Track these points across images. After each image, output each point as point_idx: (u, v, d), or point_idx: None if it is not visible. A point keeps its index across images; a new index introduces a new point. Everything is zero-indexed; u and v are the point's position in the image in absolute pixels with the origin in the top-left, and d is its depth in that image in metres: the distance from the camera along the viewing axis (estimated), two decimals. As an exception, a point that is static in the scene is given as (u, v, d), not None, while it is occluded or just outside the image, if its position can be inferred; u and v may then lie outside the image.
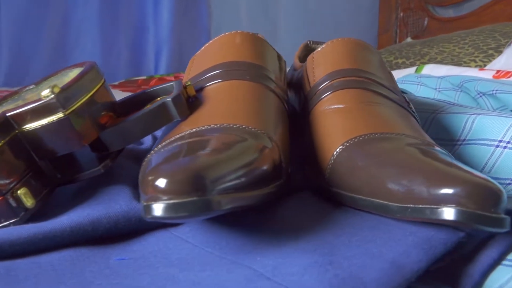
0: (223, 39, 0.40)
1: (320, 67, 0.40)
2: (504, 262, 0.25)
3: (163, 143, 0.31)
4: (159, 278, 0.23)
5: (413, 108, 0.40)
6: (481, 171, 0.40)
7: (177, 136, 0.31)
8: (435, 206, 0.24)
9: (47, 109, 0.29)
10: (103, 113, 0.33)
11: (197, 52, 0.41)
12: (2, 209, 0.28)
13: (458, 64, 1.24)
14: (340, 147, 0.32)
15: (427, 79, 0.85)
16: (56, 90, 0.29)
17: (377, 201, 0.27)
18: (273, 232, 0.26)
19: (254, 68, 0.37)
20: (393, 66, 1.41)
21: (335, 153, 0.32)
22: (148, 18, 1.24)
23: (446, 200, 0.23)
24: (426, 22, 1.59)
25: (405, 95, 0.57)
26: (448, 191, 0.24)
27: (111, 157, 0.33)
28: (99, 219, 0.28)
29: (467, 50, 1.30)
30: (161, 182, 0.22)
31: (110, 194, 0.31)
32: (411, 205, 0.25)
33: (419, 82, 0.87)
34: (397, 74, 1.13)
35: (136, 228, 0.29)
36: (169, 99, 0.33)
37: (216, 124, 0.31)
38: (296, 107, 0.44)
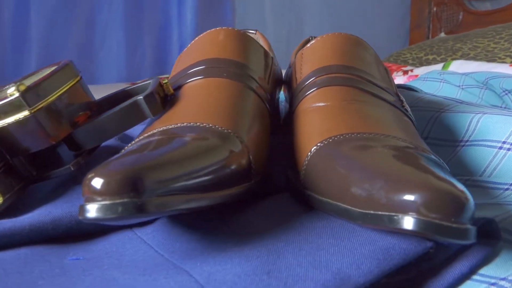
0: (207, 36, 0.39)
1: (308, 64, 0.38)
2: (474, 276, 0.23)
3: (133, 141, 0.30)
4: (100, 280, 0.23)
5: (407, 107, 0.37)
6: (481, 175, 0.37)
7: (148, 134, 0.30)
8: (394, 214, 0.22)
9: (13, 107, 0.29)
10: (77, 111, 0.33)
11: (184, 49, 0.41)
12: (-30, 205, 0.28)
13: (492, 60, 1.18)
14: (314, 147, 0.30)
15: (451, 76, 0.81)
16: (22, 88, 0.29)
17: (342, 205, 0.26)
18: (226, 236, 0.25)
19: (234, 66, 0.35)
20: (423, 63, 1.35)
21: (309, 153, 0.30)
22: (172, 18, 1.25)
23: (405, 208, 0.21)
24: (461, 17, 1.52)
25: (414, 93, 0.54)
26: (408, 197, 0.22)
27: (83, 155, 0.33)
28: (61, 218, 0.28)
29: (503, 45, 1.23)
30: (97, 183, 0.21)
31: (79, 193, 0.31)
32: (371, 212, 0.23)
33: (442, 79, 0.83)
34: (425, 71, 1.08)
35: (101, 227, 0.29)
36: (141, 97, 0.32)
37: (184, 123, 0.30)
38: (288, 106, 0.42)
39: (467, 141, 0.41)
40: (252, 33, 0.52)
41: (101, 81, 1.20)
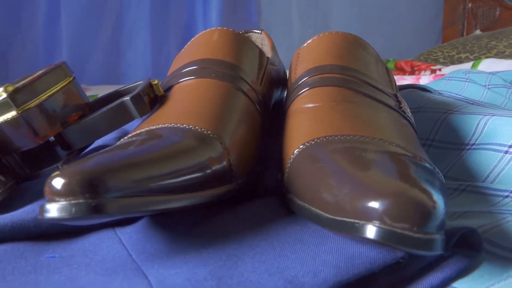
0: (202, 36, 0.39)
1: (303, 63, 0.38)
2: (445, 289, 0.21)
3: (119, 141, 0.31)
4: (65, 278, 0.23)
5: (405, 109, 0.36)
6: (484, 181, 0.35)
7: (132, 134, 0.31)
8: (357, 221, 0.21)
9: (1, 107, 0.30)
10: (69, 111, 0.33)
11: (182, 50, 0.41)
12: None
13: (529, 58, 1.11)
14: (297, 149, 0.30)
15: (477, 75, 0.78)
16: (10, 89, 0.30)
17: (313, 210, 0.25)
18: (196, 239, 0.25)
19: (224, 66, 0.35)
20: (454, 61, 1.30)
21: (292, 156, 0.30)
22: (198, 18, 1.26)
23: (369, 215, 0.20)
24: (497, 13, 1.45)
25: (424, 93, 0.52)
26: (372, 205, 0.21)
27: (73, 154, 0.33)
28: (43, 215, 0.28)
29: (542, 42, 1.16)
30: (57, 183, 0.21)
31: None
32: (338, 218, 0.22)
33: (467, 79, 0.79)
34: (453, 70, 1.04)
35: (82, 225, 0.29)
36: (128, 98, 0.32)
37: (165, 124, 0.30)
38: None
39: (473, 144, 0.39)
40: (258, 33, 0.51)
41: (128, 80, 1.23)
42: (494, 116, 0.39)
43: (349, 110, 0.32)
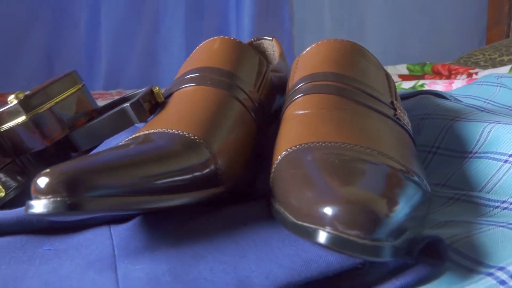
0: (204, 44, 0.41)
1: (300, 71, 0.38)
2: (401, 297, 0.22)
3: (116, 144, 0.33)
4: (49, 268, 0.25)
5: (400, 117, 0.35)
6: (481, 190, 0.34)
7: (131, 137, 0.33)
8: (312, 226, 0.22)
9: (13, 113, 0.33)
10: (78, 116, 0.36)
11: (188, 58, 0.43)
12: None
13: None
14: (280, 156, 0.31)
15: (509, 79, 0.75)
16: (20, 96, 0.33)
17: (283, 213, 0.26)
18: (176, 237, 0.27)
19: (220, 74, 0.37)
20: (496, 65, 1.25)
21: (276, 161, 0.31)
22: (231, 24, 1.29)
23: (322, 221, 0.21)
24: (546, 12, 1.37)
25: (436, 100, 0.51)
26: (326, 210, 0.21)
27: (79, 154, 0.36)
28: (45, 211, 0.31)
29: None
30: (42, 182, 0.24)
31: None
32: (299, 222, 0.23)
33: (499, 83, 0.77)
34: (490, 73, 0.99)
35: (82, 222, 0.32)
36: (127, 104, 0.35)
37: (158, 129, 0.32)
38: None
39: (476, 152, 0.38)
40: (269, 40, 0.52)
41: (164, 84, 1.27)
42: (499, 124, 0.38)
43: (338, 118, 0.33)
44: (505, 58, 1.27)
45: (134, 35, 1.25)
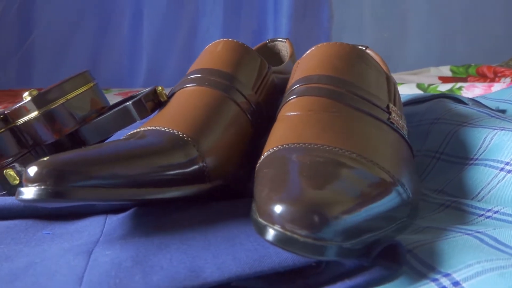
0: (209, 47, 0.43)
1: (298, 73, 0.39)
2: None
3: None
4: (38, 250, 0.28)
5: (393, 121, 0.35)
6: (474, 198, 0.34)
7: (131, 133, 0.35)
8: (264, 223, 0.23)
9: (27, 108, 0.36)
10: (88, 113, 0.39)
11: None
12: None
13: None
14: (263, 156, 0.32)
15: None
16: (34, 93, 0.36)
17: (253, 210, 0.27)
18: (149, 228, 0.28)
19: (218, 76, 0.38)
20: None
21: (259, 161, 0.32)
22: (268, 24, 1.30)
23: (273, 219, 0.22)
24: None
25: (449, 104, 0.49)
26: (276, 209, 0.22)
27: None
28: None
29: None
30: (31, 171, 0.26)
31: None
32: (259, 219, 0.24)
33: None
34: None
35: (83, 209, 0.35)
36: (130, 103, 0.37)
37: (152, 126, 0.34)
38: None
39: (476, 159, 0.37)
40: (283, 41, 0.53)
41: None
42: (503, 131, 0.37)
43: (324, 120, 0.33)
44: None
45: (174, 36, 1.29)
